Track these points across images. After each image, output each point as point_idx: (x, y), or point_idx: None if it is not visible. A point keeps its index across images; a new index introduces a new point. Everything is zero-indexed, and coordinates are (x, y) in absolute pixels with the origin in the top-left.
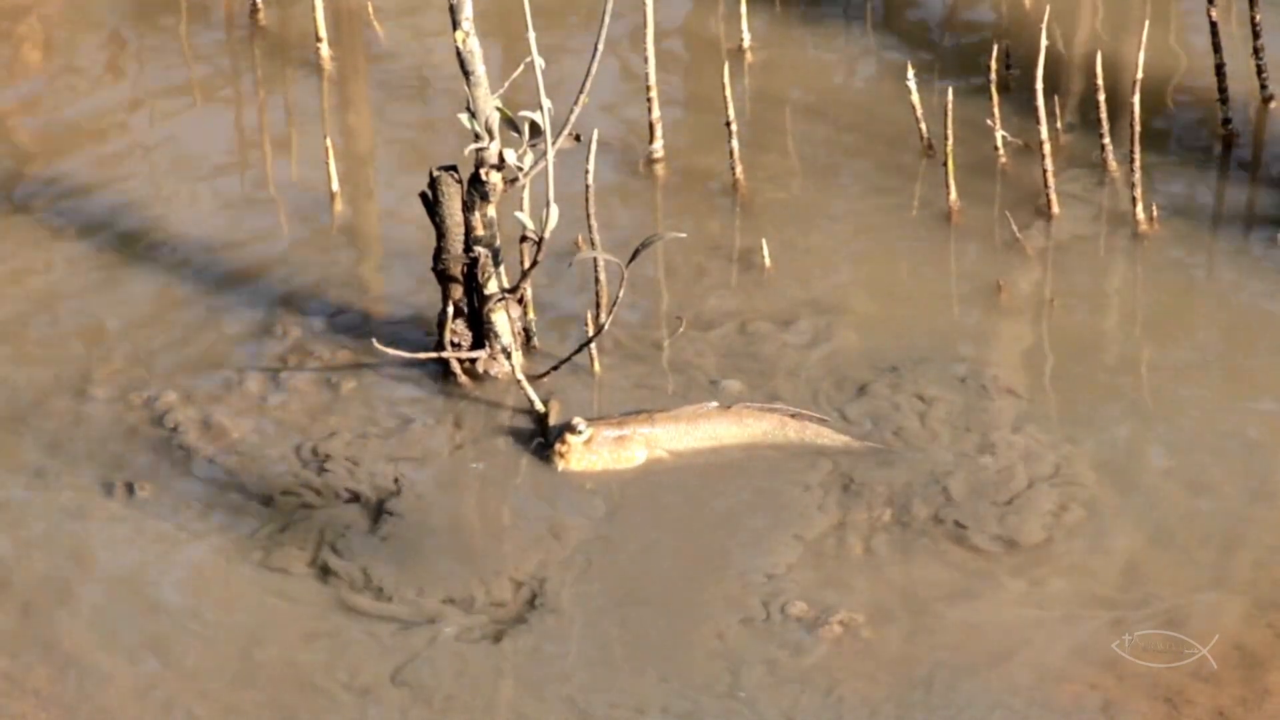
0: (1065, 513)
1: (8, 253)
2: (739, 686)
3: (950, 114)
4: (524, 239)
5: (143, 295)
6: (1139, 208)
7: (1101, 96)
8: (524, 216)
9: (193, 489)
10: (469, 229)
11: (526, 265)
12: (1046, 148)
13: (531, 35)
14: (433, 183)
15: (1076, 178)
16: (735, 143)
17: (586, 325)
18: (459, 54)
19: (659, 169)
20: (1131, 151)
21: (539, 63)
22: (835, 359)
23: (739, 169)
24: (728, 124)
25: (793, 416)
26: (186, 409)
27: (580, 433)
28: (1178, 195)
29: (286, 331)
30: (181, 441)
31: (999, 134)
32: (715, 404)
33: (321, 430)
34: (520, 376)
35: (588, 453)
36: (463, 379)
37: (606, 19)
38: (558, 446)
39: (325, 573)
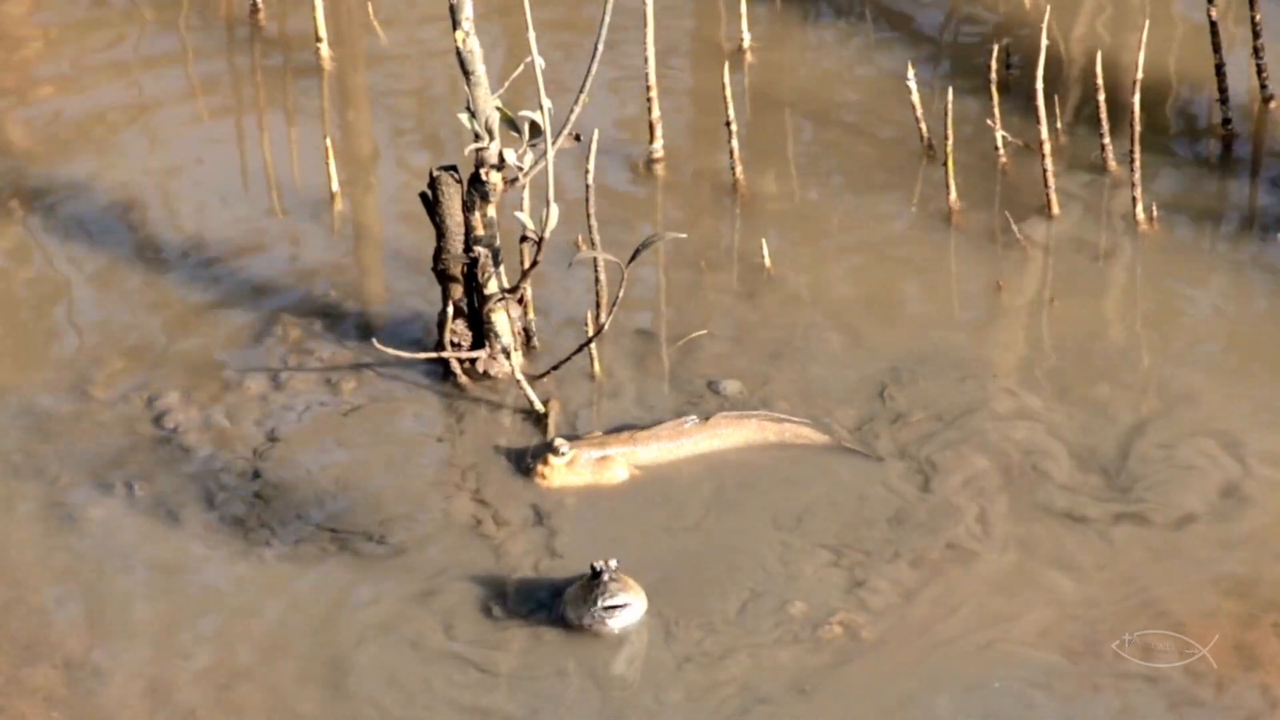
0: (1068, 513)
1: (7, 253)
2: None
3: (950, 114)
4: (524, 239)
5: (143, 295)
6: (1139, 208)
7: (1101, 96)
8: (524, 216)
9: (192, 489)
10: (469, 229)
11: (526, 265)
12: (1046, 148)
13: (531, 35)
14: (433, 183)
15: (1076, 178)
16: (735, 143)
17: (586, 325)
18: (459, 54)
19: (659, 169)
20: (1131, 151)
21: (539, 62)
22: (834, 359)
23: (739, 169)
24: (728, 124)
25: (772, 421)
26: (186, 409)
27: (562, 455)
28: (1178, 195)
29: (286, 331)
30: (181, 441)
31: (999, 134)
32: (694, 418)
33: (322, 430)
34: (520, 376)
35: (570, 473)
36: (463, 379)
37: (606, 19)
38: (539, 467)
39: (324, 570)
